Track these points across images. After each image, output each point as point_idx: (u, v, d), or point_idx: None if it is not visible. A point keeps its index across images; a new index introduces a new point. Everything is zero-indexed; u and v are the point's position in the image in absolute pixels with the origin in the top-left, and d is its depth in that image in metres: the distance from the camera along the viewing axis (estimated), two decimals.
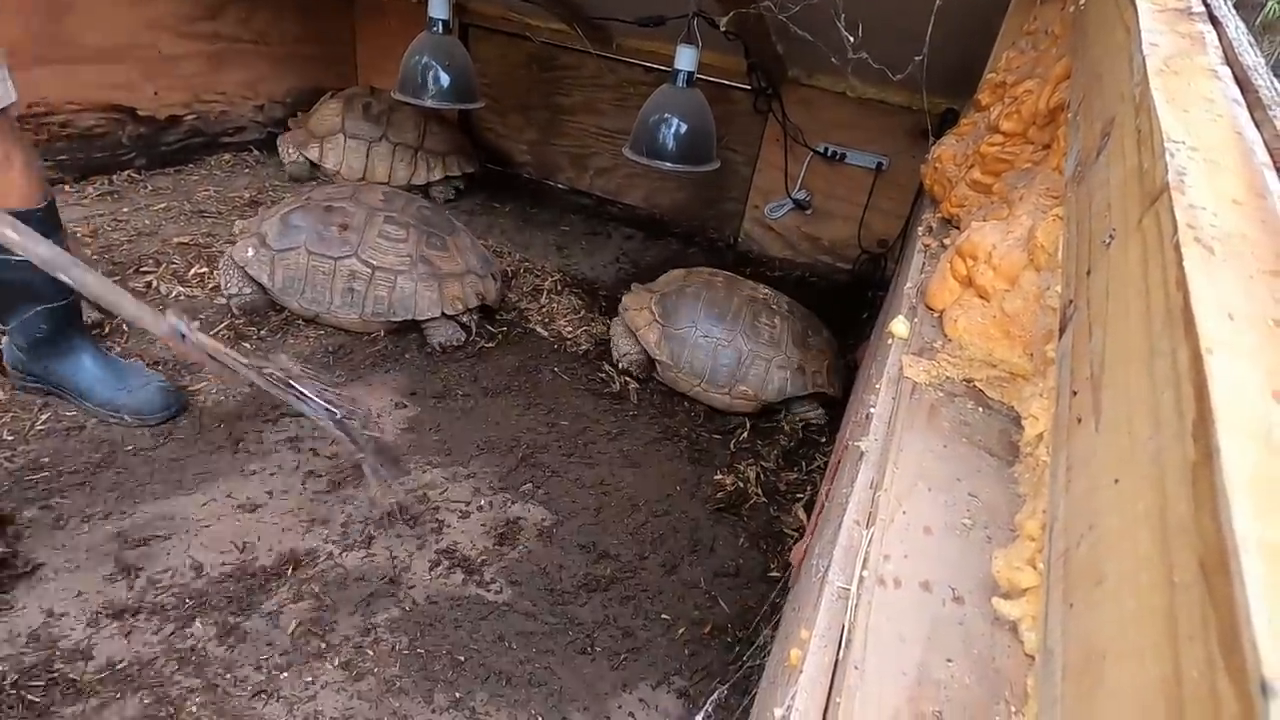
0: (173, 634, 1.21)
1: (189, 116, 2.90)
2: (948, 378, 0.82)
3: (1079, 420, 0.53)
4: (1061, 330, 0.70)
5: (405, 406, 1.83)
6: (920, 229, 1.33)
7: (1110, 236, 0.56)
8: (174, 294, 2.07)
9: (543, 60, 3.16)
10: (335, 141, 2.97)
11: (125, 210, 2.47)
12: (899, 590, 0.55)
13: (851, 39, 1.46)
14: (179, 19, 2.72)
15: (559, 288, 2.49)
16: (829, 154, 2.80)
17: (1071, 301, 0.66)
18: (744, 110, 2.87)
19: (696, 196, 3.17)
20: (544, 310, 2.34)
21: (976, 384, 0.81)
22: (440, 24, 2.29)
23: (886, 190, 2.79)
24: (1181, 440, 0.34)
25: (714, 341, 1.96)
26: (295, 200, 2.07)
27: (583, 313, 2.39)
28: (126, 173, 2.69)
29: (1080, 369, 0.57)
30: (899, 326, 0.92)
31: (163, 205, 2.56)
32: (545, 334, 2.23)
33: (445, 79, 2.32)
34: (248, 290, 2.01)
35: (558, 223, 3.12)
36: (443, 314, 2.01)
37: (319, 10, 3.24)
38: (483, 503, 1.59)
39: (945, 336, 0.90)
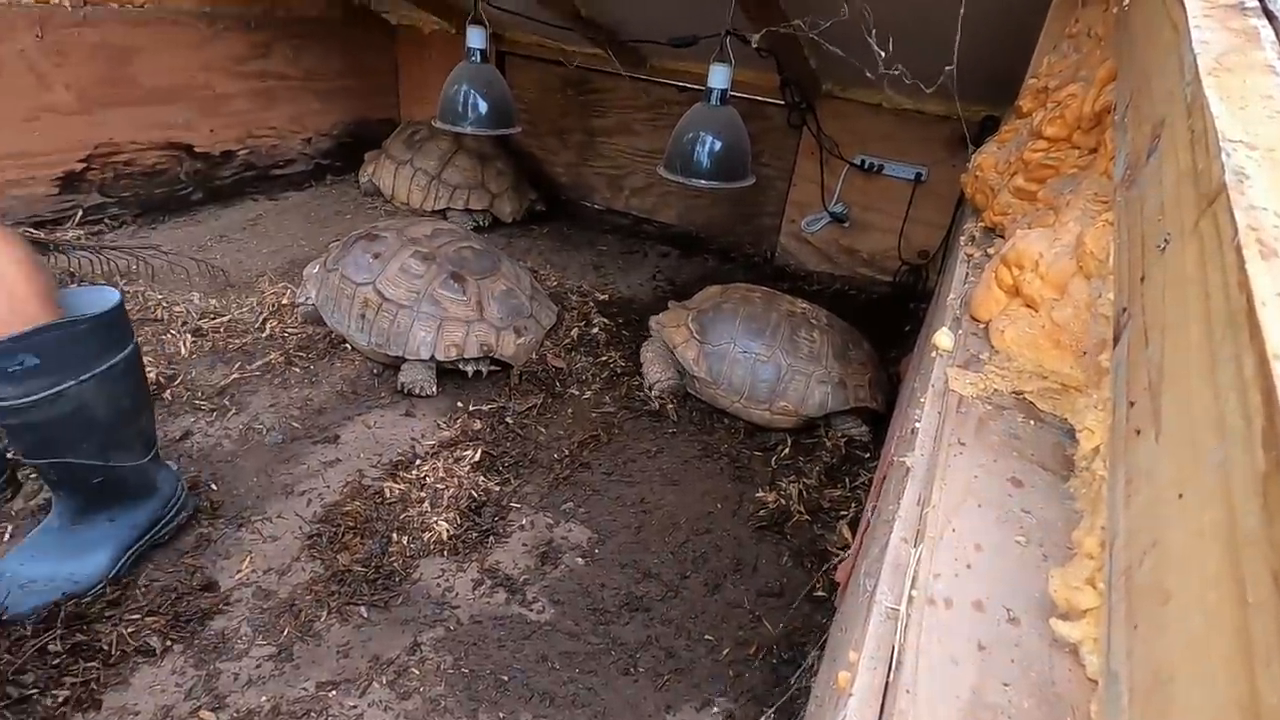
0: (231, 656, 1.24)
1: (242, 151, 3.03)
2: (996, 390, 0.80)
3: (1137, 432, 0.51)
4: (1116, 339, 0.67)
5: (444, 428, 1.86)
6: (962, 239, 1.30)
7: (1165, 241, 0.54)
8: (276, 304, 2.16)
9: (577, 84, 3.22)
10: (382, 163, 3.18)
11: (238, 234, 2.59)
12: (950, 610, 0.54)
13: (883, 53, 1.45)
14: (232, 59, 2.86)
15: (595, 306, 2.51)
16: (866, 166, 2.77)
17: (1125, 309, 0.64)
18: (778, 125, 2.87)
19: (732, 212, 3.17)
20: (581, 329, 2.36)
21: (1026, 396, 0.79)
22: (478, 53, 2.36)
23: (926, 201, 2.75)
24: (1250, 450, 0.32)
25: (753, 357, 1.95)
26: (366, 227, 2.17)
27: (619, 331, 2.40)
28: (236, 204, 2.83)
29: (1137, 378, 0.55)
30: (943, 339, 0.90)
31: (261, 230, 2.68)
32: (582, 352, 2.24)
33: (483, 106, 2.38)
34: (311, 302, 2.12)
35: (594, 243, 3.15)
36: (432, 358, 1.94)
37: (362, 45, 3.36)
38: (524, 521, 1.60)
39: (992, 348, 0.87)
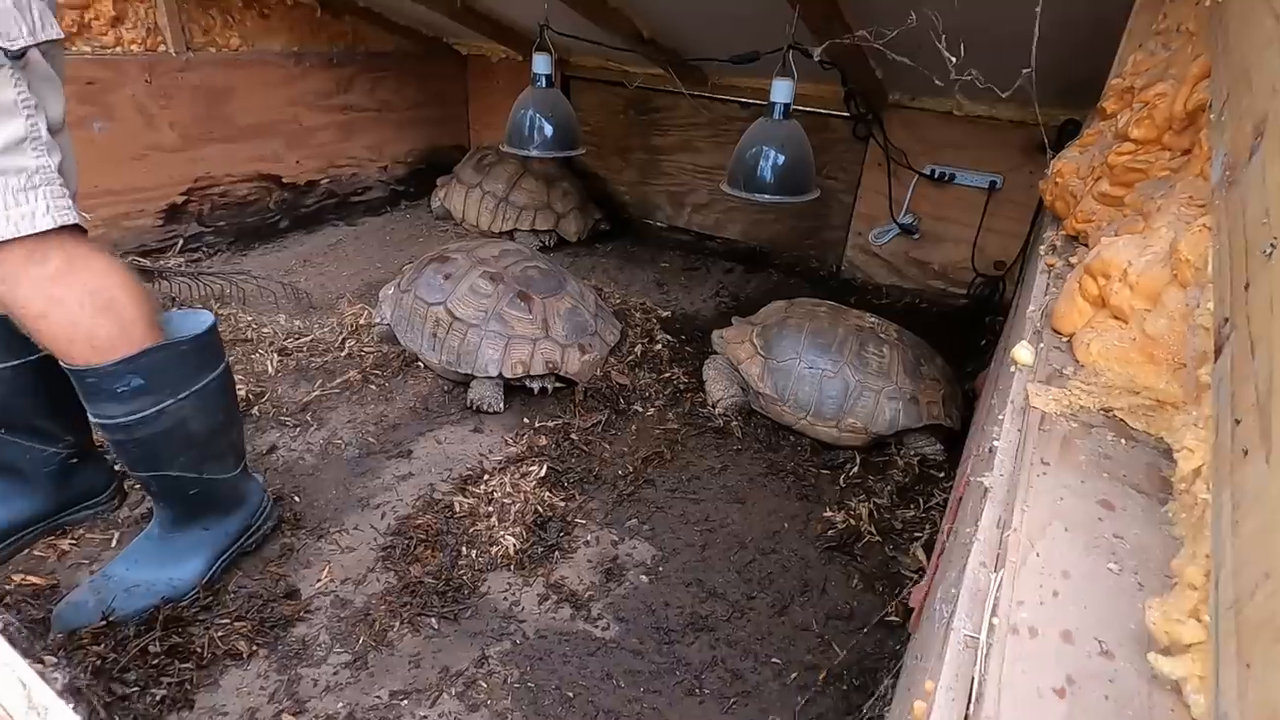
0: (311, 663, 1.29)
1: (324, 180, 3.21)
2: (1082, 407, 0.75)
3: (1245, 452, 0.47)
4: (1217, 351, 0.62)
5: (510, 444, 1.89)
6: (1042, 248, 1.24)
7: (1271, 246, 0.50)
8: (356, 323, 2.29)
9: (639, 104, 3.26)
10: (453, 187, 3.31)
11: (320, 259, 2.76)
12: (1035, 640, 0.50)
13: (954, 60, 1.40)
14: (316, 95, 3.04)
15: (658, 323, 2.52)
16: (936, 175, 2.69)
17: (1228, 319, 0.60)
18: (843, 137, 2.82)
19: (796, 227, 3.13)
20: (644, 346, 2.36)
21: (1116, 413, 0.74)
22: (543, 79, 2.42)
23: (1001, 210, 2.64)
24: None
25: (819, 373, 1.91)
26: (438, 249, 2.26)
27: (682, 347, 2.39)
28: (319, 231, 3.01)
29: (1243, 394, 0.51)
30: (1023, 353, 0.85)
31: (343, 254, 2.84)
32: (645, 368, 2.25)
33: (548, 129, 2.44)
34: (387, 322, 2.21)
35: (657, 260, 3.17)
36: (500, 375, 1.98)
37: (435, 76, 3.52)
38: (589, 538, 1.61)
39: (1077, 362, 0.83)
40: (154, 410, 1.17)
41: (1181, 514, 0.60)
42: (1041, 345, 0.88)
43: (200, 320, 1.27)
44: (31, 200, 0.99)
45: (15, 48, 0.94)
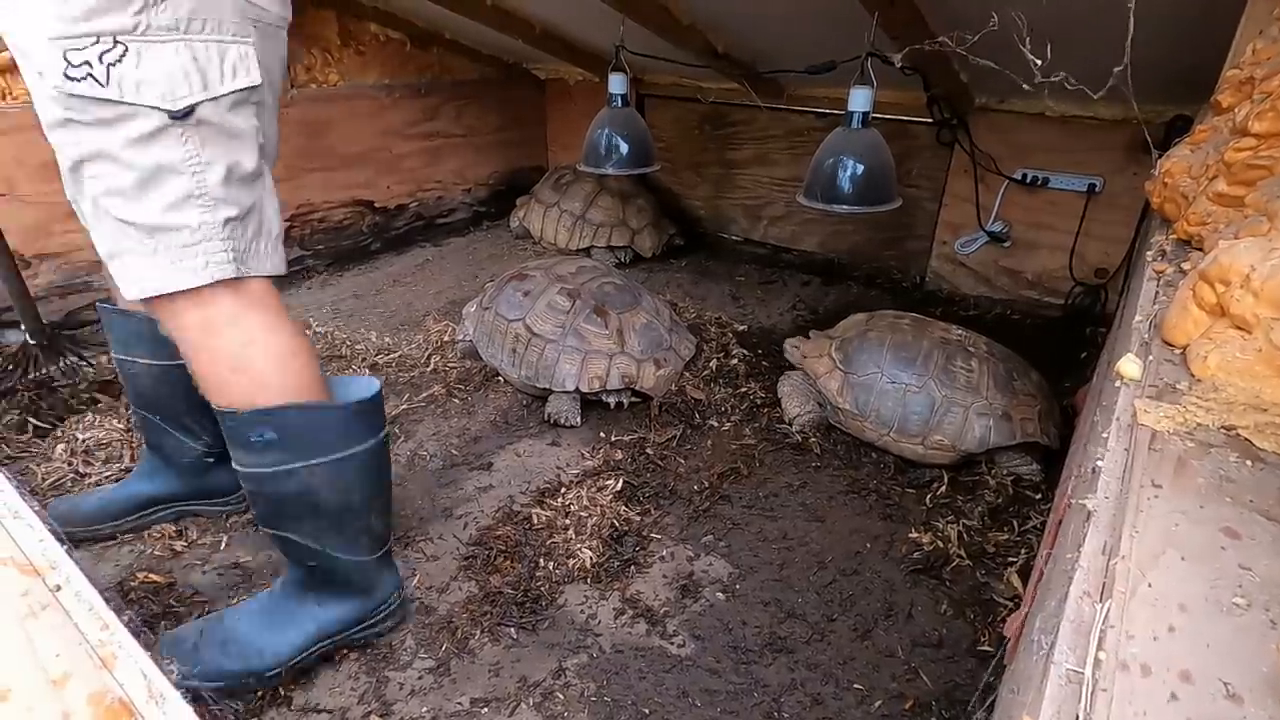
0: (397, 668, 1.34)
1: (412, 204, 3.37)
2: (1199, 425, 0.69)
3: None
4: None
5: (587, 458, 1.92)
6: (1149, 254, 1.16)
7: None
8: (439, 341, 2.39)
9: (714, 119, 3.27)
10: (532, 207, 3.41)
11: (408, 278, 2.92)
12: (1148, 680, 0.46)
13: (1039, 62, 1.33)
14: (406, 124, 3.21)
15: (733, 337, 2.50)
16: (1029, 180, 2.56)
17: None
18: (926, 144, 2.73)
19: (876, 237, 3.05)
20: (720, 360, 2.35)
21: (1240, 432, 0.67)
22: (619, 99, 2.47)
23: (1102, 214, 2.48)
24: None
25: (902, 388, 1.84)
26: (518, 267, 2.34)
27: (758, 362, 2.36)
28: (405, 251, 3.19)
29: None
30: (1129, 366, 0.80)
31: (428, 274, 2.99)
32: (721, 383, 2.23)
33: (624, 148, 2.48)
34: (469, 339, 2.30)
35: (732, 273, 3.15)
36: (577, 390, 2.00)
37: (515, 100, 3.65)
38: (664, 553, 1.60)
39: (1192, 376, 0.76)
40: (282, 469, 1.13)
41: None
42: (1150, 358, 0.81)
43: (363, 387, 1.22)
44: (190, 258, 1.01)
45: (179, 108, 0.95)
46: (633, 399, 2.11)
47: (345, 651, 1.35)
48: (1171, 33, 1.63)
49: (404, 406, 2.11)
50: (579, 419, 2.04)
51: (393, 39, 3.08)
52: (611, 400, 2.07)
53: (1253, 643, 0.48)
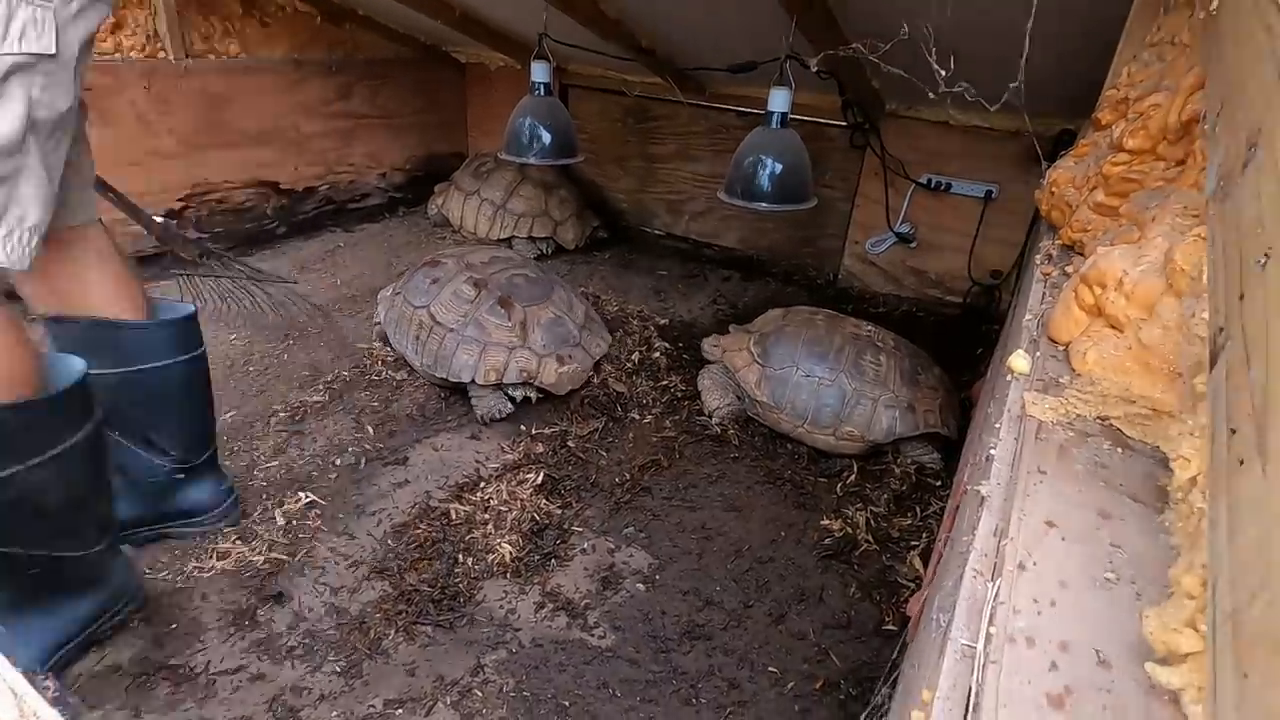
0: (305, 672, 1.28)
1: (323, 187, 3.21)
2: (1079, 415, 0.75)
3: (1241, 462, 0.47)
4: (1212, 361, 0.63)
5: (507, 451, 1.89)
6: (1038, 257, 1.25)
7: (1265, 257, 0.51)
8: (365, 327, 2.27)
9: (638, 113, 3.27)
10: (451, 194, 3.32)
11: (318, 265, 2.75)
12: (1032, 650, 0.50)
13: (944, 72, 1.42)
14: (317, 101, 3.05)
15: (655, 331, 2.52)
16: (933, 185, 2.71)
17: (1223, 329, 0.60)
18: (840, 146, 2.84)
19: (794, 235, 3.14)
20: (642, 353, 2.36)
21: (1113, 422, 0.74)
22: (542, 87, 2.43)
23: (997, 219, 2.65)
24: None
25: (816, 381, 1.91)
26: (434, 254, 2.27)
27: (680, 355, 2.39)
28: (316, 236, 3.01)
29: (1239, 404, 0.51)
30: (1019, 361, 0.86)
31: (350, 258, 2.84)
32: (643, 376, 2.25)
33: (546, 137, 2.44)
34: (381, 324, 2.24)
35: (655, 268, 3.18)
36: (474, 381, 1.96)
37: (434, 83, 3.53)
38: (585, 545, 1.60)
39: (1073, 371, 0.83)
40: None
41: (1178, 523, 0.60)
42: (1038, 354, 0.88)
43: (68, 371, 1.09)
44: None
45: None
46: (494, 419, 2.01)
47: (251, 656, 1.28)
48: (1061, 53, 1.76)
49: (317, 399, 2.01)
50: (509, 407, 2.01)
51: (301, 12, 2.91)
52: (518, 395, 2.03)
53: (1121, 613, 0.53)
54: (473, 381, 1.97)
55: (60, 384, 1.07)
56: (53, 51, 0.94)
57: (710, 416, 2.06)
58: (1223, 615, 0.43)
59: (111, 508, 1.25)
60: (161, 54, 2.54)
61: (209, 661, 1.28)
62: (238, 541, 1.52)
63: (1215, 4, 0.97)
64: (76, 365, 1.10)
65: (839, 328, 2.01)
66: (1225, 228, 0.66)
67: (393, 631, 1.36)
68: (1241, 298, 0.55)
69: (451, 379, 1.99)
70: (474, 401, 2.01)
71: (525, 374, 1.99)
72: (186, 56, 2.58)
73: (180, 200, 2.72)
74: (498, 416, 1.99)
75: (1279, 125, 0.55)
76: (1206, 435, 0.62)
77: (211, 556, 1.48)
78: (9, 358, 1.01)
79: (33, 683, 0.44)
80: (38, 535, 1.10)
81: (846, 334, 1.98)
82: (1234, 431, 0.51)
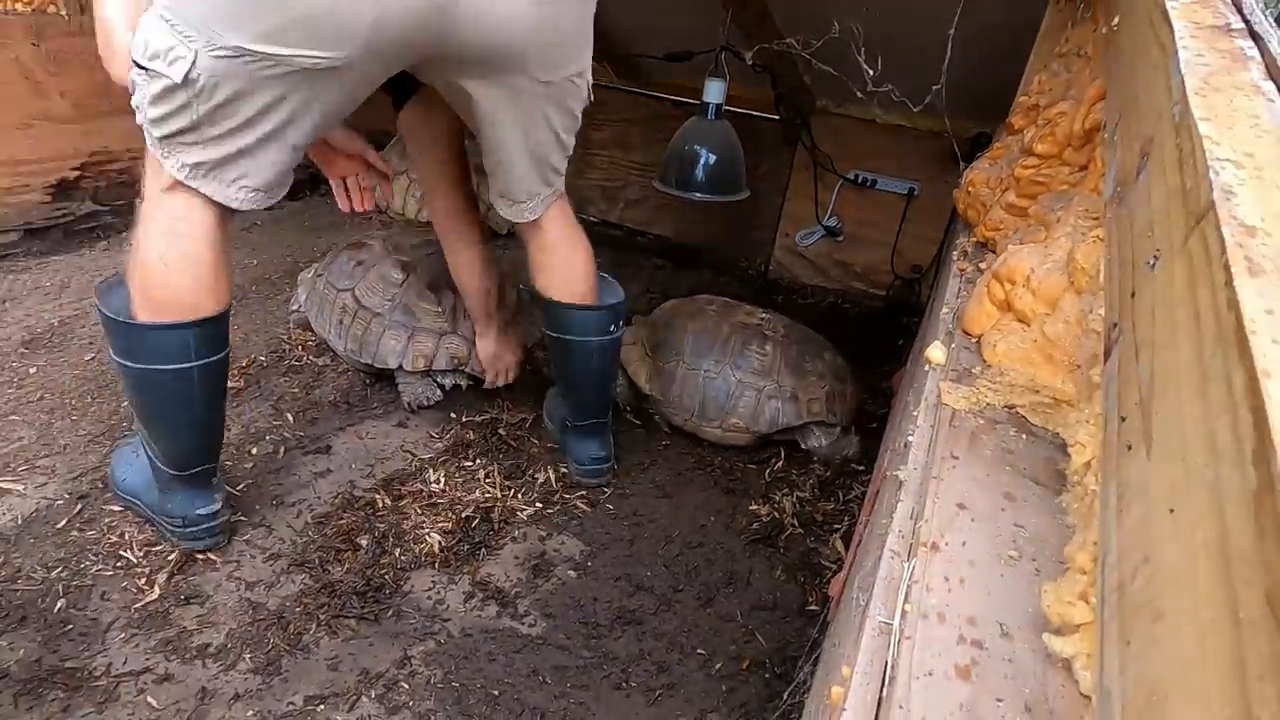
0: (218, 671, 1.22)
1: None
2: (988, 404, 0.80)
3: (1129, 447, 0.51)
4: (1106, 354, 0.68)
5: (436, 439, 1.85)
6: (955, 254, 1.31)
7: (1154, 258, 0.55)
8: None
9: None
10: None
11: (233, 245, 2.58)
12: (943, 625, 0.53)
13: (871, 71, 1.47)
14: None
15: None
16: (860, 181, 2.79)
17: (1116, 325, 0.65)
18: (773, 140, 2.89)
19: (727, 226, 3.18)
20: None
21: (1019, 410, 0.79)
22: None
23: (919, 216, 2.77)
24: (1241, 467, 0.32)
25: (701, 374, 1.89)
26: (360, 235, 2.18)
27: None
28: None
29: (1128, 394, 0.55)
30: (935, 352, 0.90)
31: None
32: None
33: None
34: (301, 307, 2.14)
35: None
36: (401, 367, 1.90)
37: None
38: (516, 534, 1.59)
39: (984, 362, 0.88)
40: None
41: (1074, 504, 0.65)
42: (953, 345, 0.92)
43: None
44: None
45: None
46: (423, 406, 1.95)
47: (158, 657, 1.21)
48: (980, 59, 1.85)
49: (231, 385, 1.91)
50: (438, 394, 1.96)
51: None
52: (447, 382, 1.97)
53: (1022, 589, 0.57)
54: (400, 368, 1.91)
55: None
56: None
57: (624, 407, 2.06)
58: (1110, 588, 0.47)
59: (182, 451, 1.34)
60: (52, 8, 2.34)
61: (110, 664, 1.20)
62: (143, 534, 1.43)
63: (1116, 20, 1.04)
64: None
65: (729, 317, 1.98)
66: (1121, 230, 0.71)
67: (314, 626, 1.31)
68: (1133, 295, 0.59)
69: (377, 365, 1.92)
70: (401, 388, 1.94)
71: (455, 361, 1.94)
72: (81, 12, 2.38)
73: (75, 169, 2.51)
74: (426, 404, 1.94)
75: (1168, 137, 0.59)
76: (1100, 423, 0.67)
77: (111, 552, 1.39)
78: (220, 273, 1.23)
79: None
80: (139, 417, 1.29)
81: (736, 323, 1.95)
82: (1123, 419, 0.55)
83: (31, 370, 1.88)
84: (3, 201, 2.35)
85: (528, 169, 1.44)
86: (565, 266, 1.61)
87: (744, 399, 1.86)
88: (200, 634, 1.27)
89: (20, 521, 1.43)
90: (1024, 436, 0.75)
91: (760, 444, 1.95)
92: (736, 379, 1.87)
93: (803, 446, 1.95)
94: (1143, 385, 0.51)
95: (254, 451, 1.71)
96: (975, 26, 1.51)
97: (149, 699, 1.16)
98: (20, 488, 1.51)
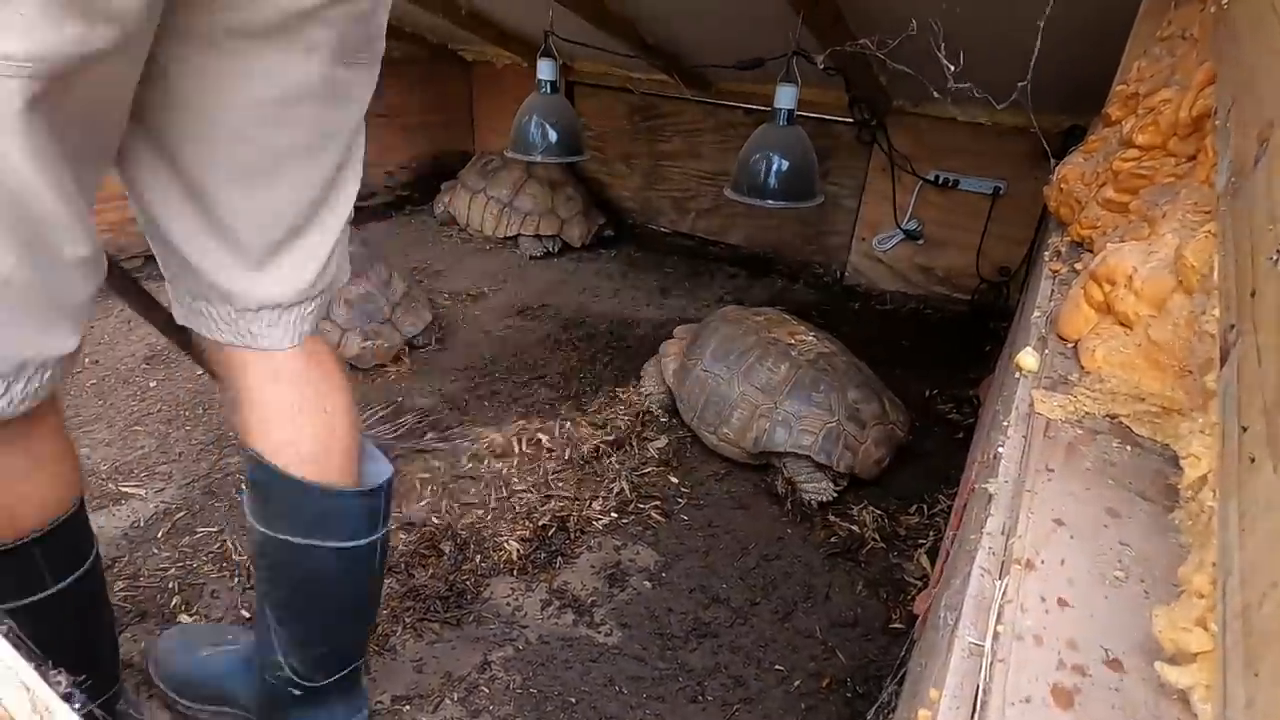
0: None
1: None
2: (1087, 413, 0.75)
3: (1252, 460, 0.47)
4: (1223, 359, 0.62)
5: (513, 450, 1.89)
6: (1047, 254, 1.24)
7: (1277, 253, 0.50)
8: None
9: (644, 110, 3.27)
10: (458, 192, 3.33)
11: None
12: (1040, 649, 0.50)
13: (952, 68, 1.41)
14: None
15: (658, 331, 2.52)
16: (940, 181, 2.69)
17: (1233, 326, 0.59)
18: (847, 143, 2.83)
19: (800, 232, 3.13)
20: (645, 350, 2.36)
21: (1122, 420, 0.74)
22: (548, 85, 2.43)
23: (1005, 215, 2.64)
24: None
25: (712, 378, 1.86)
26: None
27: None
28: None
29: (1250, 402, 0.50)
30: (1027, 359, 0.85)
31: None
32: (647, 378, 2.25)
33: (553, 135, 2.45)
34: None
35: (661, 265, 3.17)
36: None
37: (441, 82, 3.53)
38: (592, 543, 1.61)
39: (1082, 368, 0.82)
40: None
41: (1188, 521, 0.60)
42: (1047, 351, 0.87)
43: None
44: None
45: None
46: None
47: None
48: (1070, 49, 1.75)
49: None
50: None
51: None
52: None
53: (1129, 612, 0.53)
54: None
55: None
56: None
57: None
58: (1232, 614, 0.43)
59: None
60: None
61: None
62: (244, 538, 1.53)
63: None
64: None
65: (766, 330, 1.91)
66: (1237, 224, 0.66)
67: (400, 629, 1.36)
68: (1253, 294, 0.54)
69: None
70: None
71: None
72: None
73: None
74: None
75: None
76: (1217, 433, 0.61)
77: (220, 553, 1.49)
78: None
79: (44, 676, 0.44)
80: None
81: (767, 337, 1.87)
82: (1245, 429, 0.50)
83: (152, 384, 2.05)
84: (125, 230, 2.59)
85: None
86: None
87: (738, 412, 1.80)
88: None
89: (141, 524, 1.56)
90: (1128, 448, 0.70)
91: (759, 464, 1.85)
92: (740, 391, 1.81)
93: (784, 475, 1.79)
94: (1267, 392, 0.47)
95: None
96: (1064, 14, 1.43)
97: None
98: (141, 492, 1.65)
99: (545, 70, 2.41)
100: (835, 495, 1.75)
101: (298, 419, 0.90)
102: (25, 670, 0.44)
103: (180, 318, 0.91)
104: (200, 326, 0.90)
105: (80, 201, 0.67)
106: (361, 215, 3.36)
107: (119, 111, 0.69)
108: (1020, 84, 1.29)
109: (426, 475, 1.77)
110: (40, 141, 0.60)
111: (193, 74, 0.71)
